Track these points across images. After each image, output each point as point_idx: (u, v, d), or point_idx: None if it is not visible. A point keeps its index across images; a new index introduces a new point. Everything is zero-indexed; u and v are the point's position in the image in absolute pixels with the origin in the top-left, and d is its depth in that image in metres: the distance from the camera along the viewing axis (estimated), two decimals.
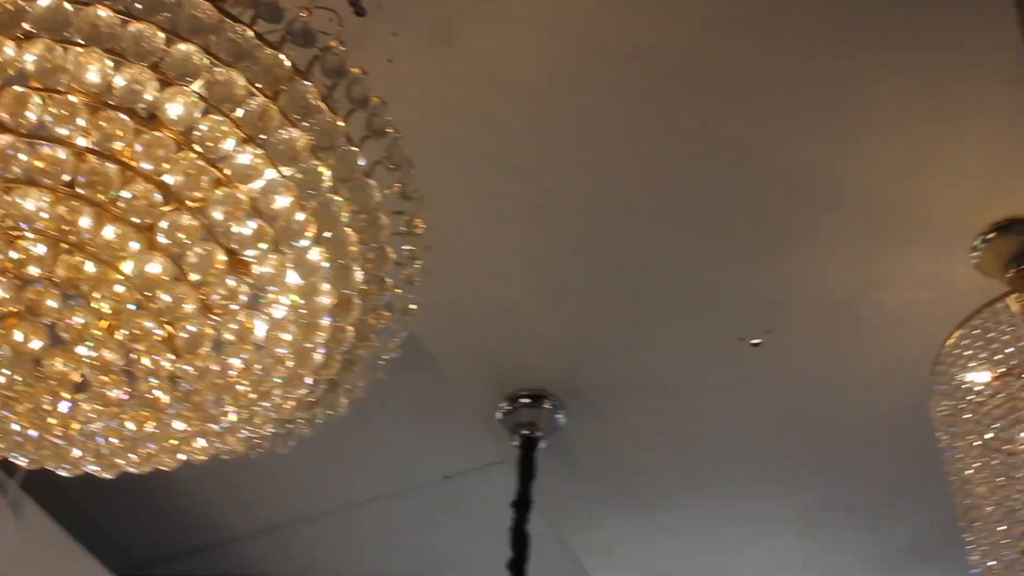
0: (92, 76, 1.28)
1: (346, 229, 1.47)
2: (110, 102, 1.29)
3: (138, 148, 1.30)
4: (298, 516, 3.74)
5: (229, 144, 1.32)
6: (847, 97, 2.21)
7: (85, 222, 1.30)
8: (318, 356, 1.52)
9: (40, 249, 1.31)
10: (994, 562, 2.13)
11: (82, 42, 1.28)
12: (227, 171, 1.34)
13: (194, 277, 1.34)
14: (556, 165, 2.37)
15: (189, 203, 1.33)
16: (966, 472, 2.24)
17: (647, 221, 2.48)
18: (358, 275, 1.51)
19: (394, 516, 3.68)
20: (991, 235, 2.47)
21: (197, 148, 1.31)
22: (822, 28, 2.10)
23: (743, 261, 2.56)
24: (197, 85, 1.31)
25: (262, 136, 1.35)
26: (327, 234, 1.43)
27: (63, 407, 1.41)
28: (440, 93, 2.23)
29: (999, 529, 2.12)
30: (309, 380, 1.55)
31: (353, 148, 1.45)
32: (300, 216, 1.39)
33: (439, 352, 2.81)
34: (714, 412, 2.92)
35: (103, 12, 1.28)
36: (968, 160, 2.33)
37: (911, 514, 3.15)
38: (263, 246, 1.36)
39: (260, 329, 1.41)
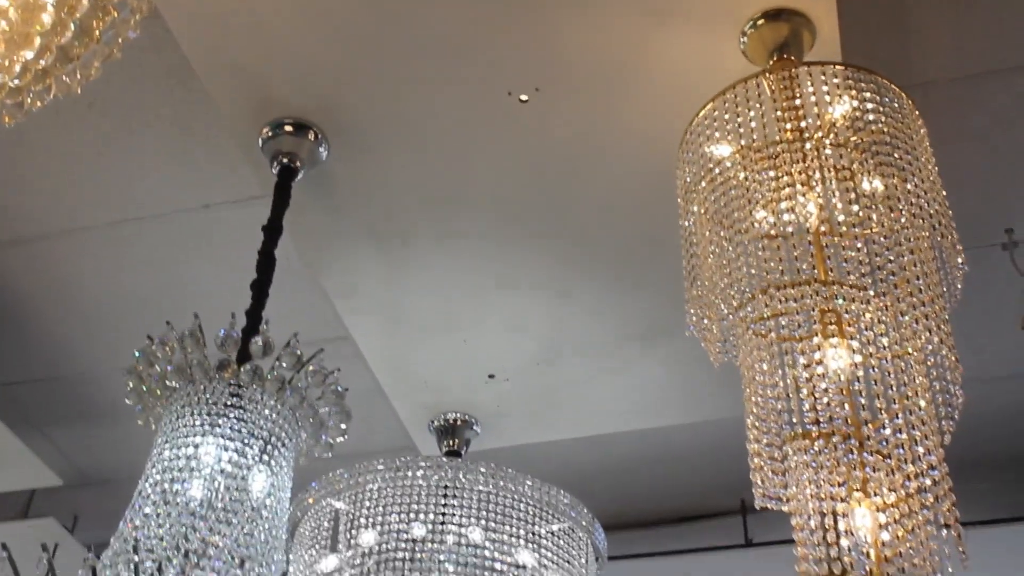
0: None
1: None
2: None
3: None
4: (50, 231, 3.64)
5: None
6: None
7: None
8: (46, 16, 1.45)
9: None
10: (707, 321, 2.27)
11: None
12: None
13: None
14: None
15: None
16: (694, 238, 2.35)
17: None
18: None
19: (149, 241, 3.63)
20: (759, 21, 2.54)
21: None
22: None
23: (514, 13, 2.56)
24: None
25: None
26: None
27: None
28: None
29: (716, 293, 2.24)
30: (36, 42, 1.48)
31: None
32: None
33: (201, 67, 2.73)
34: (470, 163, 2.95)
35: None
36: None
37: (653, 286, 3.28)
38: None
39: None
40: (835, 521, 1.89)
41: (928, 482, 1.90)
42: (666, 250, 2.91)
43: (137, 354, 2.37)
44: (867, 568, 1.85)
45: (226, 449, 2.22)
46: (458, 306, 3.44)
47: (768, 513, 4.26)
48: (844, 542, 1.87)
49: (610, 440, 4.06)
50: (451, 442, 3.78)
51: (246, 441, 2.25)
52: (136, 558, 1.86)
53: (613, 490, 4.32)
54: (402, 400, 3.76)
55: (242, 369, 2.29)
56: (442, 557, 3.04)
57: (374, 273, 3.29)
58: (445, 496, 3.14)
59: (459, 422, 3.78)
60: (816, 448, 1.93)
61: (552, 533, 3.19)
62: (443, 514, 3.11)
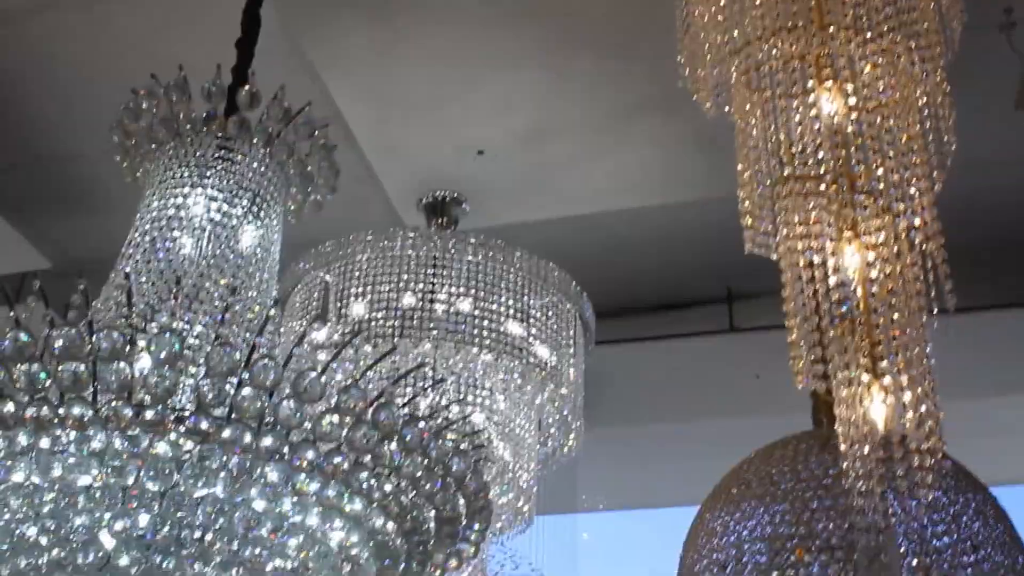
0: None
1: None
2: None
3: None
4: (27, 7, 3.54)
5: None
6: None
7: None
8: None
9: None
10: (701, 71, 2.24)
11: None
12: None
13: None
14: None
15: None
16: None
17: None
18: None
19: (129, 16, 3.52)
20: None
21: None
22: None
23: None
24: None
25: None
26: None
27: None
28: None
29: (710, 41, 2.20)
30: None
31: None
32: None
33: None
34: None
35: None
36: None
37: (644, 63, 3.23)
38: None
39: None
40: (823, 261, 1.90)
41: (918, 222, 1.90)
42: (658, 24, 2.85)
43: (122, 107, 2.32)
44: (854, 304, 1.87)
45: (214, 199, 2.19)
46: (447, 82, 3.39)
47: (753, 301, 4.33)
48: (832, 280, 1.88)
49: (598, 221, 4.05)
50: (440, 220, 3.78)
51: (235, 193, 2.22)
52: (128, 282, 1.85)
53: (600, 276, 4.29)
54: (391, 178, 3.74)
55: (230, 121, 2.25)
56: (431, 326, 3.07)
57: (361, 45, 3.22)
58: (435, 267, 3.15)
59: (448, 199, 3.77)
60: (807, 189, 1.93)
61: (543, 305, 3.22)
62: (432, 284, 3.12)
